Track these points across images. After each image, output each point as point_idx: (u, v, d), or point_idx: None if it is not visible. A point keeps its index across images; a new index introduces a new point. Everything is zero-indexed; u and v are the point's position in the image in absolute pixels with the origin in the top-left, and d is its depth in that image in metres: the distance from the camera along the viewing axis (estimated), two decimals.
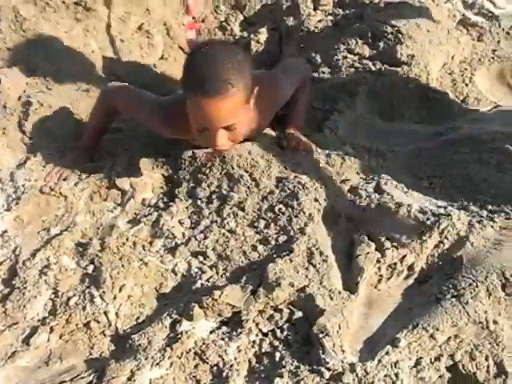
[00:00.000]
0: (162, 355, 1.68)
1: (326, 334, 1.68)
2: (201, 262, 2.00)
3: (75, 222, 2.19)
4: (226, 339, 1.74)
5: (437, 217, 2.04)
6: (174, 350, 1.69)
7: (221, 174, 2.29)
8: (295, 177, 2.24)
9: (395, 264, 1.95)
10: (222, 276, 1.95)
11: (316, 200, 2.15)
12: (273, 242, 2.03)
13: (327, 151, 2.41)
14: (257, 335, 1.76)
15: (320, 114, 2.63)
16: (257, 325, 1.77)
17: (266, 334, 1.77)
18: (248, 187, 2.22)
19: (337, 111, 2.62)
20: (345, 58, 2.98)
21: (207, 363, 1.68)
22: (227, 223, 2.11)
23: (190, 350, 1.70)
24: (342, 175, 2.31)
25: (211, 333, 1.77)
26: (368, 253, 1.95)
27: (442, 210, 2.08)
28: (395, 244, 1.97)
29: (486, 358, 1.66)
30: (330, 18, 3.48)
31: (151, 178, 2.40)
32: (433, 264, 1.97)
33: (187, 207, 2.24)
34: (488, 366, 1.65)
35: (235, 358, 1.69)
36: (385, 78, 2.84)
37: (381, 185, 2.23)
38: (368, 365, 1.63)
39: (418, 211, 2.09)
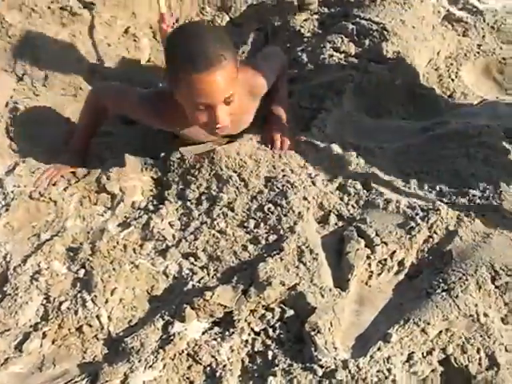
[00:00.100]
0: (155, 357, 1.68)
1: (318, 332, 1.69)
2: (192, 264, 2.00)
3: (65, 227, 2.19)
4: (219, 339, 1.74)
5: (426, 212, 2.06)
6: (166, 351, 1.69)
7: (210, 175, 2.30)
8: (284, 176, 2.25)
9: (385, 260, 1.96)
10: (213, 277, 1.95)
11: (305, 198, 2.16)
12: (263, 242, 2.04)
13: (315, 149, 2.41)
14: (249, 335, 1.76)
15: (307, 113, 2.63)
16: (249, 324, 1.78)
17: (258, 334, 1.77)
18: (237, 187, 2.23)
19: (324, 110, 2.62)
20: (331, 56, 2.97)
21: (200, 364, 1.69)
22: (217, 224, 2.11)
23: (182, 352, 1.70)
24: (330, 173, 2.32)
25: (203, 333, 1.77)
26: (358, 249, 1.95)
27: (430, 205, 2.10)
28: (385, 240, 1.98)
29: (478, 351, 1.67)
30: (316, 16, 3.48)
31: (140, 181, 2.41)
32: (423, 259, 1.99)
33: (177, 209, 2.24)
34: (480, 359, 1.66)
35: (228, 358, 1.69)
36: (371, 76, 2.84)
37: (369, 182, 2.25)
38: (360, 361, 1.64)
39: (407, 207, 2.11)
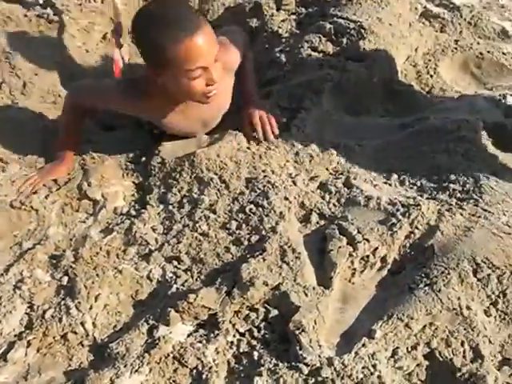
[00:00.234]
0: (141, 362, 1.67)
1: (303, 330, 1.70)
2: (175, 267, 2.00)
3: (48, 235, 2.18)
4: (204, 341, 1.74)
5: (406, 207, 2.07)
6: (152, 355, 1.68)
7: (191, 178, 2.30)
8: (264, 176, 2.25)
9: (368, 257, 1.96)
10: (196, 279, 1.95)
11: (286, 198, 2.17)
12: (245, 243, 2.04)
13: (295, 149, 2.42)
14: (234, 336, 1.77)
15: (287, 113, 2.64)
16: (233, 325, 1.78)
17: (243, 334, 1.77)
18: (218, 189, 2.23)
19: (303, 109, 2.62)
20: (309, 55, 2.98)
21: (186, 367, 1.68)
22: (199, 226, 2.11)
23: (168, 355, 1.70)
24: (311, 172, 2.33)
25: (188, 336, 1.77)
26: (340, 247, 1.95)
27: (411, 201, 2.11)
28: (367, 237, 1.98)
29: (462, 344, 1.69)
30: (294, 17, 3.49)
31: (122, 186, 2.40)
32: (405, 254, 1.99)
33: (159, 213, 2.24)
34: (464, 352, 1.68)
35: (214, 360, 1.70)
36: (349, 74, 2.85)
37: (350, 179, 2.25)
38: (345, 358, 1.65)
39: (388, 203, 2.11)
